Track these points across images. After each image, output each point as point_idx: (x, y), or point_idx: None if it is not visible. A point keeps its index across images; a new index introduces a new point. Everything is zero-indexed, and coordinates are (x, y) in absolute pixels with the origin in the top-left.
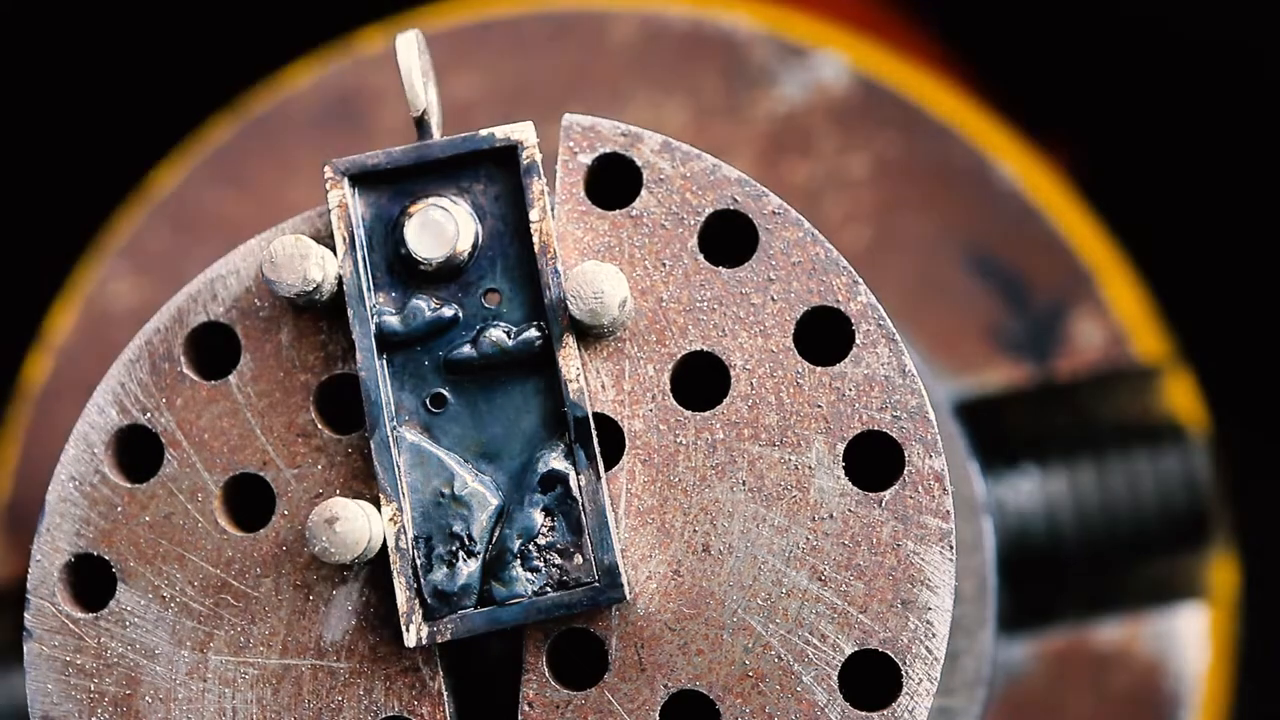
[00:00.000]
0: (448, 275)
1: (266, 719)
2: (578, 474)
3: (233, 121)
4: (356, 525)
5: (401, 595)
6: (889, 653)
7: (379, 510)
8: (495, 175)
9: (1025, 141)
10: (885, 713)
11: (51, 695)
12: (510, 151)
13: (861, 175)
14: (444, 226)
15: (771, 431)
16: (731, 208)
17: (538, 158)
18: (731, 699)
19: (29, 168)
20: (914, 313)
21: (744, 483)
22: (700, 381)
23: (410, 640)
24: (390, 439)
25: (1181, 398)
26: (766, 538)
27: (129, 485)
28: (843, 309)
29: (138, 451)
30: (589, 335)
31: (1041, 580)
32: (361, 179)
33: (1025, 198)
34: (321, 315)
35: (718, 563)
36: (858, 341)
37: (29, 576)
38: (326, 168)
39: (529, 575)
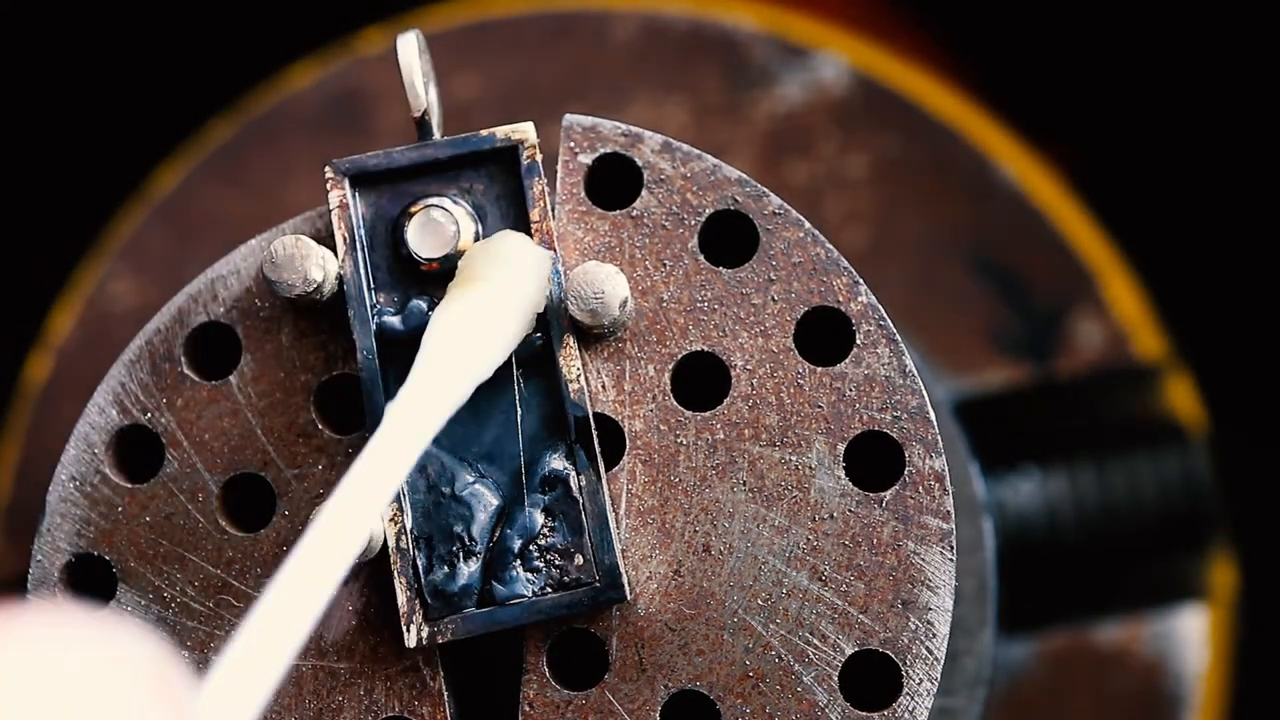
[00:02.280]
0: (448, 275)
1: (267, 719)
2: (578, 474)
3: (233, 122)
4: None
5: (402, 596)
6: (889, 653)
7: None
8: (496, 175)
9: (1025, 141)
10: (886, 713)
11: None
12: (511, 151)
13: (861, 175)
14: (444, 226)
15: (772, 432)
16: (732, 208)
17: (538, 158)
18: (732, 699)
19: (29, 168)
20: (914, 313)
21: (745, 483)
22: (701, 382)
23: (410, 641)
24: None
25: (1181, 398)
26: (767, 538)
27: (129, 485)
28: (843, 309)
29: (138, 451)
30: (589, 335)
31: (1041, 580)
32: (362, 179)
33: (1025, 198)
34: (322, 315)
35: (718, 563)
36: (858, 342)
37: (29, 576)
38: (327, 168)
39: (529, 575)
